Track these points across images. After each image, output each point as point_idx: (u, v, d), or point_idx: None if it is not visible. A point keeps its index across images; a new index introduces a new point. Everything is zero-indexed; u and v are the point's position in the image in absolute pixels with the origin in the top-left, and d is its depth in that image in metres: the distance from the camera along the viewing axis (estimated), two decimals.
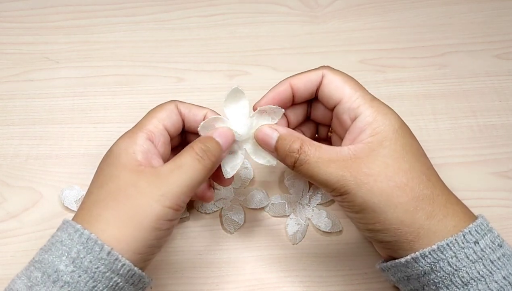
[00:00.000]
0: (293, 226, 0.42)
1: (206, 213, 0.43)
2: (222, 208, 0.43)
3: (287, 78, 0.37)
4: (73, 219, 0.31)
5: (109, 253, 0.29)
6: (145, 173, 0.31)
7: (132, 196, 0.30)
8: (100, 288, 0.29)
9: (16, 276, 0.30)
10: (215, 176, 0.38)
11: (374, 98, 0.35)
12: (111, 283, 0.29)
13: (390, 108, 0.35)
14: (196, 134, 0.36)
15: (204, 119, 0.35)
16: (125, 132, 0.35)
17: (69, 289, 0.28)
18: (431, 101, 0.50)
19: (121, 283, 0.30)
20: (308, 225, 0.43)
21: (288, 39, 0.55)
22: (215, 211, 0.43)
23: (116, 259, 0.29)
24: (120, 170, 0.32)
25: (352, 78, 0.36)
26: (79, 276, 0.28)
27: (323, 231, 0.42)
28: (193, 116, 0.36)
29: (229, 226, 0.42)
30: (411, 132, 0.35)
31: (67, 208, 0.43)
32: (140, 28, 0.55)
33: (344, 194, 0.32)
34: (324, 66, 0.37)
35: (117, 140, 0.34)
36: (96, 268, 0.29)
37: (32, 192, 0.44)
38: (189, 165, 0.32)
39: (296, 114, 0.39)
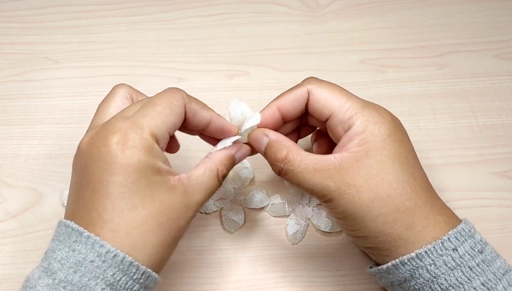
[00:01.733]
0: (293, 226, 0.42)
1: (206, 213, 0.43)
2: (222, 208, 0.43)
3: (273, 100, 0.36)
4: (100, 236, 0.28)
5: (143, 273, 0.29)
6: (176, 189, 0.31)
7: (173, 218, 0.31)
8: None
9: None
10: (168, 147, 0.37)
11: (365, 105, 0.34)
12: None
13: (384, 113, 0.34)
14: (191, 129, 0.36)
15: (209, 125, 0.35)
16: (129, 135, 0.30)
17: None
18: (431, 101, 0.50)
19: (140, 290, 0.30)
20: (308, 225, 0.43)
21: (288, 39, 0.55)
22: (215, 211, 0.43)
23: (149, 276, 0.30)
24: (154, 190, 0.30)
25: (339, 87, 0.35)
26: None
27: (323, 231, 0.42)
28: (198, 120, 0.34)
29: (229, 226, 0.42)
30: (404, 138, 0.34)
31: None
32: (140, 28, 0.55)
33: (328, 202, 0.33)
34: (308, 79, 0.36)
35: (124, 146, 0.29)
36: (131, 288, 0.29)
37: (32, 192, 0.44)
38: (210, 184, 0.33)
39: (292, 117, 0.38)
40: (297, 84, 0.36)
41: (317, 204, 0.44)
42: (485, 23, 0.56)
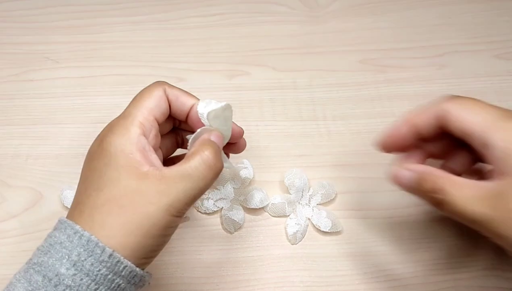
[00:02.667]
0: (293, 226, 0.42)
1: (206, 213, 0.43)
2: (222, 208, 0.43)
3: (407, 116, 0.35)
4: (70, 220, 0.31)
5: (110, 255, 0.29)
6: (150, 177, 0.30)
7: (138, 203, 0.30)
8: (102, 290, 0.29)
9: (15, 278, 0.30)
10: (229, 148, 0.38)
11: (504, 115, 0.31)
12: (113, 285, 0.29)
13: None
14: (178, 120, 0.36)
15: (191, 110, 0.35)
16: (114, 124, 0.33)
17: None
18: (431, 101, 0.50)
19: (123, 284, 0.30)
20: (308, 225, 0.43)
21: (288, 39, 0.55)
22: (215, 211, 0.43)
23: (118, 261, 0.29)
24: (121, 173, 0.30)
25: (478, 101, 0.33)
26: (81, 279, 0.28)
27: (323, 231, 0.42)
28: (180, 105, 0.35)
29: (229, 226, 0.42)
30: None
31: (67, 208, 0.43)
32: (140, 28, 0.55)
33: (490, 231, 0.30)
34: (445, 97, 0.34)
35: (106, 134, 0.32)
36: (98, 271, 0.28)
37: (32, 192, 0.44)
38: (198, 174, 0.31)
39: (437, 147, 0.36)
40: (433, 100, 0.34)
41: (317, 204, 0.44)
42: (485, 23, 0.56)
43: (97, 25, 0.55)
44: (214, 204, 0.43)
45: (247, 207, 0.43)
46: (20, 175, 0.45)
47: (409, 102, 0.50)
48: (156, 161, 0.32)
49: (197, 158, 0.31)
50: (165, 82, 0.35)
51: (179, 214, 0.31)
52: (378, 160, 0.47)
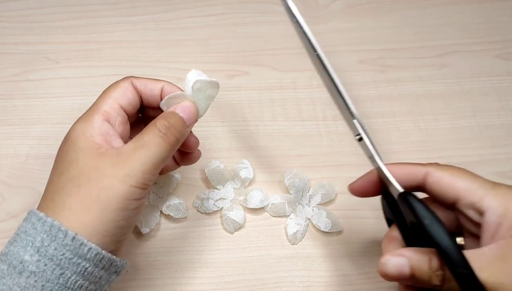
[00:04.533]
0: (293, 226, 0.42)
1: (206, 213, 0.43)
2: (222, 208, 0.43)
3: (386, 165, 0.33)
4: (37, 209, 0.31)
5: (73, 238, 0.28)
6: (107, 154, 0.31)
7: (95, 179, 0.30)
8: (68, 275, 0.29)
9: None
10: (183, 157, 0.38)
11: (495, 184, 0.31)
12: (79, 269, 0.29)
13: None
14: (156, 108, 0.35)
15: (161, 93, 0.35)
16: (81, 116, 0.34)
17: (35, 278, 0.28)
18: (431, 101, 0.50)
19: (90, 268, 0.29)
20: (308, 225, 0.43)
21: (288, 39, 0.55)
22: (215, 211, 0.43)
23: (81, 244, 0.29)
24: (79, 154, 0.31)
25: (463, 169, 0.32)
26: (45, 265, 0.28)
27: (323, 231, 0.42)
28: (150, 91, 0.35)
29: (229, 226, 0.42)
30: None
31: None
32: (140, 28, 0.55)
33: None
34: (431, 163, 0.33)
35: (73, 125, 0.33)
36: (62, 255, 0.28)
37: (32, 192, 0.44)
38: (152, 143, 0.31)
39: None
40: (416, 163, 0.33)
41: (317, 204, 0.44)
42: (485, 23, 0.56)
43: (97, 25, 0.55)
44: (214, 204, 0.43)
45: (247, 207, 0.43)
46: (20, 175, 0.45)
47: (409, 102, 0.50)
48: (119, 145, 0.32)
49: (151, 128, 0.32)
50: (132, 76, 0.35)
51: (138, 184, 0.30)
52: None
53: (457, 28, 0.55)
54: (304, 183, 0.44)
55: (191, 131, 0.36)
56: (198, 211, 0.44)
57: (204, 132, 0.36)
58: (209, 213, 0.44)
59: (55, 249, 0.28)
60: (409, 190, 0.32)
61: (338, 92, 0.34)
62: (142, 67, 0.52)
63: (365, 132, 0.33)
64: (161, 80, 0.36)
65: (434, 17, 0.56)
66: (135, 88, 0.35)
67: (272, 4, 0.57)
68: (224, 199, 0.44)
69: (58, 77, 0.52)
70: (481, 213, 0.30)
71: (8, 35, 0.54)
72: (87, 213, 0.29)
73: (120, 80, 0.35)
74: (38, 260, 0.28)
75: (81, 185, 0.30)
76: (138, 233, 0.42)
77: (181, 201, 0.43)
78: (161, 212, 0.43)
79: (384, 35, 0.55)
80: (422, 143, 0.48)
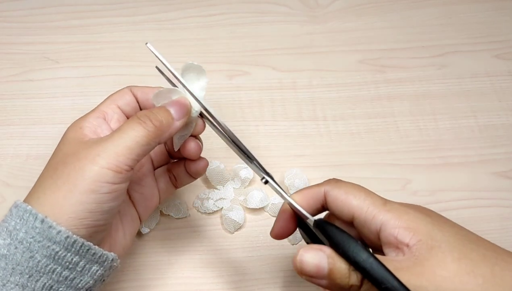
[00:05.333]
0: None
1: (206, 213, 0.44)
2: (222, 208, 0.43)
3: (289, 196, 0.33)
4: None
5: (42, 221, 0.29)
6: (87, 142, 0.32)
7: (69, 162, 0.31)
8: (38, 258, 0.29)
9: None
10: (189, 166, 0.38)
11: (386, 201, 0.31)
12: (49, 252, 0.29)
13: (406, 206, 0.31)
14: None
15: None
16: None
17: (6, 261, 0.29)
18: (431, 101, 0.50)
19: (61, 252, 0.29)
20: None
21: (288, 39, 0.55)
22: (215, 211, 0.43)
23: (50, 226, 0.28)
24: (65, 143, 0.33)
25: (357, 186, 0.32)
26: (16, 248, 0.29)
27: None
28: (145, 95, 0.36)
29: (229, 226, 0.42)
30: (440, 217, 0.31)
31: None
32: (140, 28, 0.55)
33: None
34: (328, 180, 0.33)
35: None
36: (31, 238, 0.29)
37: None
38: (128, 127, 0.31)
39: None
40: (315, 185, 0.33)
41: None
42: (485, 23, 0.56)
43: (97, 25, 0.55)
44: (214, 204, 0.43)
45: (247, 207, 0.43)
46: (20, 175, 0.45)
47: (409, 102, 0.50)
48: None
49: (131, 117, 0.32)
50: (131, 85, 0.37)
51: (110, 165, 0.30)
52: (377, 160, 0.47)
53: (457, 28, 0.55)
54: (304, 183, 0.44)
55: (194, 137, 0.36)
56: (198, 211, 0.44)
57: (204, 132, 0.36)
58: (209, 213, 0.44)
59: (25, 232, 0.29)
60: (319, 212, 0.33)
61: (232, 140, 0.34)
62: (142, 67, 0.52)
63: (267, 174, 0.33)
64: (158, 87, 0.36)
65: (434, 17, 0.56)
66: (134, 95, 0.36)
67: (272, 4, 0.57)
68: (224, 199, 0.44)
69: (58, 77, 0.52)
70: (376, 230, 0.30)
71: (8, 35, 0.54)
72: (56, 193, 0.30)
73: (121, 89, 0.37)
74: (10, 244, 0.29)
75: (57, 168, 0.31)
76: (138, 233, 0.42)
77: (181, 201, 0.43)
78: (161, 212, 0.43)
79: (384, 35, 0.55)
80: (422, 143, 0.48)
